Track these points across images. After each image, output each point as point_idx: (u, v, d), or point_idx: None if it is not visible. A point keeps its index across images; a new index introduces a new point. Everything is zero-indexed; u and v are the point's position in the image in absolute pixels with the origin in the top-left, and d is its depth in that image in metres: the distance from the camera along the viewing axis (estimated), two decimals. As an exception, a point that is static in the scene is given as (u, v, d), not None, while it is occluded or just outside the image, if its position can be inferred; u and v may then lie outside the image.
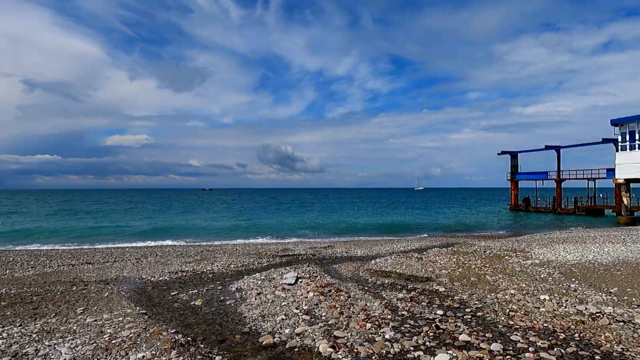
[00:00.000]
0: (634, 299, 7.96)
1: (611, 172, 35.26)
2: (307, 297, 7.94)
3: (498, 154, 53.07)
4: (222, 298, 8.18)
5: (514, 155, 51.59)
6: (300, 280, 9.72)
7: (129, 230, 29.26)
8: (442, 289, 8.85)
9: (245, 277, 10.48)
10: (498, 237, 23.08)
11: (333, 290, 8.52)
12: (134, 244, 21.64)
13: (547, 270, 10.89)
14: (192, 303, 7.78)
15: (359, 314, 6.83)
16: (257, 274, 10.72)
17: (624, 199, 33.36)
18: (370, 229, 30.02)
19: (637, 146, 31.22)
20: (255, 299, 7.90)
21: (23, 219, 39.00)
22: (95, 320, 6.04)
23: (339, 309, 7.12)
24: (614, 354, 4.97)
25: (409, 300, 7.87)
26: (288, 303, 7.55)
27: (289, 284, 9.38)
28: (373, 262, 12.72)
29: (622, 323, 6.18)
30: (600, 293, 8.42)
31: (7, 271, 12.71)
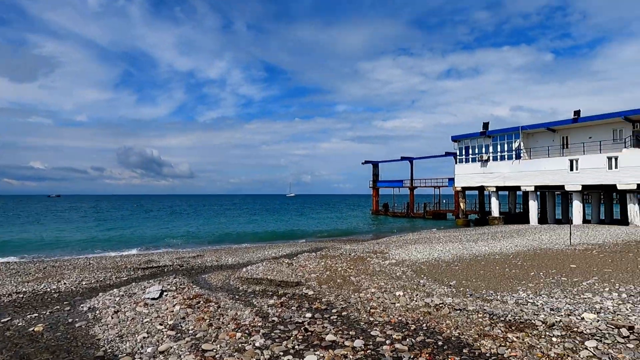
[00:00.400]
0: (467, 289, 9.35)
1: (452, 181, 40.99)
2: (172, 311, 7.45)
3: (362, 163, 57.52)
4: (69, 320, 7.17)
5: (375, 165, 56.47)
6: (165, 293, 9.09)
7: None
8: (310, 293, 9.16)
9: (101, 294, 9.39)
10: (362, 241, 24.92)
11: (202, 302, 8.16)
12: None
13: (401, 269, 12.12)
14: (31, 329, 6.65)
15: (229, 324, 6.66)
16: (115, 289, 9.71)
17: (461, 204, 39.07)
18: (246, 238, 29.64)
19: (470, 159, 36.91)
20: (112, 318, 7.12)
21: None
22: None
23: (207, 320, 6.84)
24: (452, 338, 5.73)
25: (280, 305, 7.95)
26: (151, 319, 6.97)
27: (153, 299, 8.69)
28: (244, 269, 12.56)
29: (458, 311, 7.17)
30: (442, 286, 9.68)
31: None
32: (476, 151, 36.30)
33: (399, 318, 6.84)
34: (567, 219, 31.88)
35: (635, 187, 25.49)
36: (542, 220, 32.98)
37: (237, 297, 8.99)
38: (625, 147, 26.91)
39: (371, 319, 6.85)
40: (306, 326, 6.43)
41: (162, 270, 13.56)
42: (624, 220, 29.11)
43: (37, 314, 7.69)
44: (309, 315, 7.15)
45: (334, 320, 6.82)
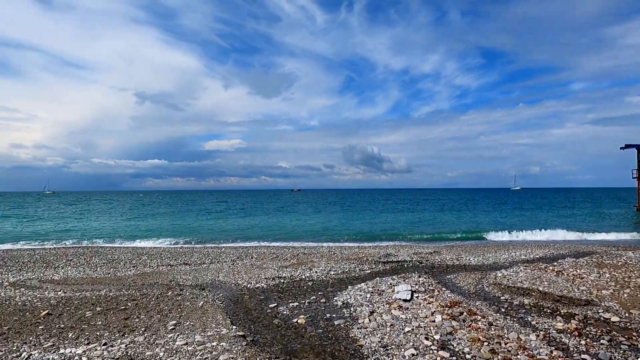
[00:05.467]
0: None
1: None
2: (434, 322, 6.26)
3: (621, 148, 45.63)
4: (328, 315, 6.83)
5: (642, 149, 43.93)
6: (416, 295, 8.05)
7: (226, 229, 29.78)
8: (615, 319, 6.58)
9: (349, 287, 9.08)
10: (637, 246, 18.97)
11: (465, 313, 6.72)
12: (230, 244, 21.54)
13: None
14: (295, 320, 6.53)
15: (517, 354, 4.99)
16: (362, 284, 9.28)
17: None
18: (478, 232, 27.00)
19: None
20: (370, 320, 6.41)
21: (137, 216, 42.23)
22: (186, 344, 5.00)
23: (485, 343, 5.33)
24: None
25: (576, 333, 5.79)
26: (412, 329, 5.93)
27: (404, 300, 7.76)
28: (499, 274, 10.54)
29: None
30: None
31: (112, 270, 12.82)
32: None
33: None
34: None
35: None
36: None
37: (503, 310, 7.19)
38: None
39: None
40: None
41: (402, 266, 12.80)
42: None
43: (297, 303, 7.73)
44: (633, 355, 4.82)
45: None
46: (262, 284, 9.67)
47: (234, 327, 5.85)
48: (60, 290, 9.42)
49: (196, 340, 5.15)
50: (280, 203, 76.61)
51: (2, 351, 4.93)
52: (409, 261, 13.76)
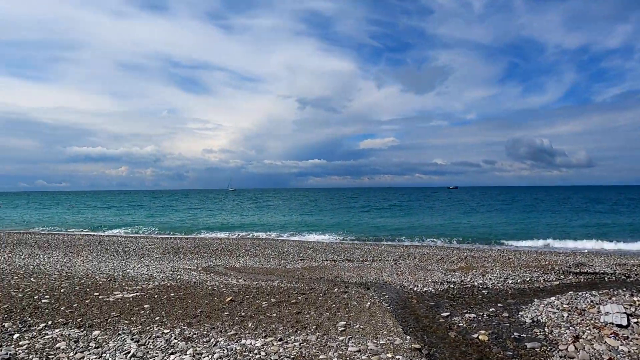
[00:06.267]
0: None
1: None
2: (675, 362, 4.66)
3: None
4: (515, 334, 5.76)
5: None
6: (634, 321, 6.28)
7: (385, 226, 29.66)
8: None
9: (536, 301, 7.69)
10: None
11: None
12: (390, 242, 21.20)
13: None
14: (475, 336, 5.68)
15: None
16: (552, 298, 7.75)
17: None
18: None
19: None
20: (576, 348, 5.15)
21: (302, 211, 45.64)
22: (359, 352, 4.67)
23: None
24: None
25: None
26: (643, 369, 4.50)
27: (619, 325, 6.11)
28: None
29: None
30: None
31: (282, 262, 13.71)
32: None
33: None
34: None
35: None
36: None
37: None
38: None
39: None
40: None
41: (601, 280, 10.48)
42: None
43: (473, 315, 6.80)
44: None
45: None
46: (430, 288, 8.93)
47: (408, 337, 5.31)
48: (240, 278, 10.34)
49: (369, 348, 4.78)
50: (440, 201, 73.42)
51: (195, 334, 5.39)
52: (610, 274, 11.22)
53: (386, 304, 7.46)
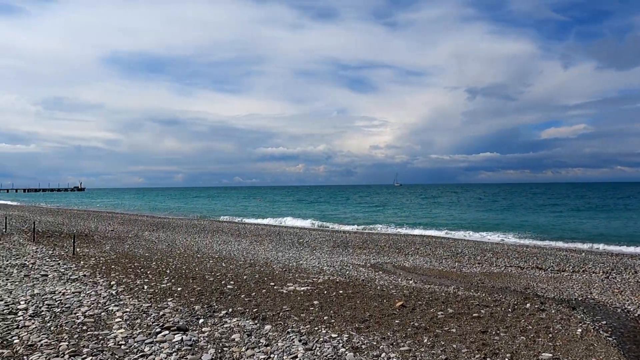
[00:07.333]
0: None
1: None
2: None
3: None
4: None
5: None
6: None
7: (584, 229, 24.85)
8: None
9: None
10: None
11: None
12: (589, 249, 17.35)
13: None
14: None
15: None
16: None
17: None
18: None
19: None
20: None
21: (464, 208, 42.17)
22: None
23: None
24: None
25: None
26: None
27: None
28: None
29: None
30: None
31: (456, 264, 12.37)
32: None
33: None
34: None
35: None
36: None
37: None
38: None
39: None
40: None
41: None
42: None
43: None
44: None
45: None
46: (670, 318, 6.59)
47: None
48: (410, 280, 9.55)
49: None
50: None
51: (364, 344, 4.84)
52: None
53: (605, 334, 5.68)
